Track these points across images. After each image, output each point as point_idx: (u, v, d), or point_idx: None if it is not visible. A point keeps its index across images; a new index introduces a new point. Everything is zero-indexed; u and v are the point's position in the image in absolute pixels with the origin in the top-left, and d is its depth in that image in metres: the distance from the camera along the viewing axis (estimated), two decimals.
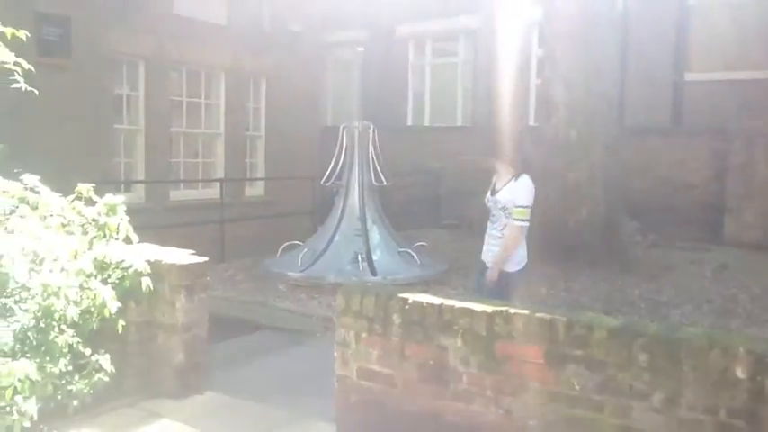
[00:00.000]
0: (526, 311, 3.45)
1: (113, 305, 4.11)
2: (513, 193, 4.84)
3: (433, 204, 13.85)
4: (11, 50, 4.47)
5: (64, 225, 4.45)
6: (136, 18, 9.88)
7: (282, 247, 9.26)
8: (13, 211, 4.30)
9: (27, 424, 3.60)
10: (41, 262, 4.03)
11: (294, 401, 4.68)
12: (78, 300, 4.02)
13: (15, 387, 3.42)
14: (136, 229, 4.63)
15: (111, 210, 4.45)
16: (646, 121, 12.03)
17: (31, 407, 3.57)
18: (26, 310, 3.79)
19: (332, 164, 9.11)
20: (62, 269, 4.05)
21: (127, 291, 4.37)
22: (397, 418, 3.79)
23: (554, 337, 3.32)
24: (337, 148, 9.12)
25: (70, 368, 3.99)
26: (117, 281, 4.35)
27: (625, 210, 10.35)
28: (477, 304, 3.63)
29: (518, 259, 4.94)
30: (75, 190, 4.59)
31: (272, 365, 5.63)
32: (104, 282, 4.27)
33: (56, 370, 3.84)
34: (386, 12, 15.03)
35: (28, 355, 3.68)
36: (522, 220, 4.82)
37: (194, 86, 11.49)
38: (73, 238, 4.39)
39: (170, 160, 11.07)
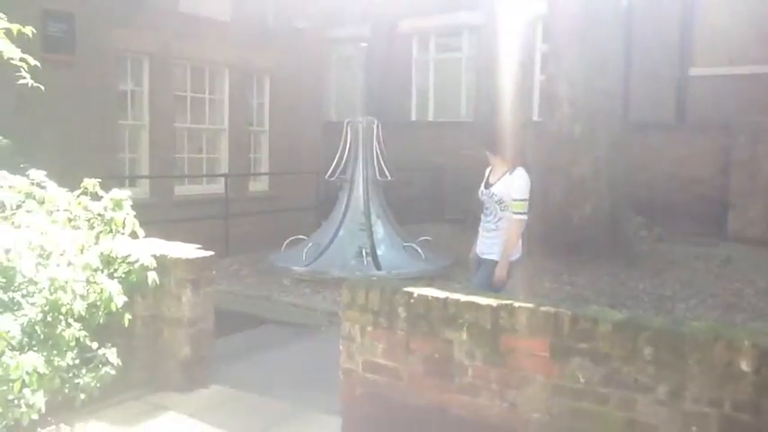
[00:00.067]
0: (531, 305, 3.46)
1: (120, 299, 4.13)
2: (509, 187, 4.85)
3: (437, 199, 13.85)
4: (17, 46, 4.50)
5: (70, 220, 4.46)
6: (140, 14, 9.89)
7: (287, 241, 9.28)
8: (19, 206, 4.32)
9: (35, 416, 3.63)
10: (48, 256, 4.05)
11: (299, 395, 4.70)
12: (85, 294, 4.04)
13: (23, 380, 3.44)
14: (141, 223, 4.64)
15: (118, 204, 4.47)
16: (650, 117, 12.01)
17: (39, 400, 3.59)
18: (33, 304, 3.81)
19: (336, 159, 9.12)
20: (69, 263, 4.06)
21: (133, 285, 4.39)
22: (402, 412, 3.81)
23: (559, 331, 3.33)
24: (342, 143, 9.13)
25: (77, 362, 4.01)
26: (123, 275, 4.37)
27: (629, 205, 10.35)
28: (482, 298, 3.64)
29: (513, 251, 4.95)
30: (82, 185, 4.60)
31: (277, 359, 5.65)
32: (111, 276, 4.29)
33: (63, 363, 3.87)
34: (389, 7, 15.02)
35: (35, 348, 3.70)
36: (522, 213, 4.83)
37: (198, 82, 11.51)
38: (79, 232, 4.40)
39: (174, 155, 11.09)
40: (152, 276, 4.40)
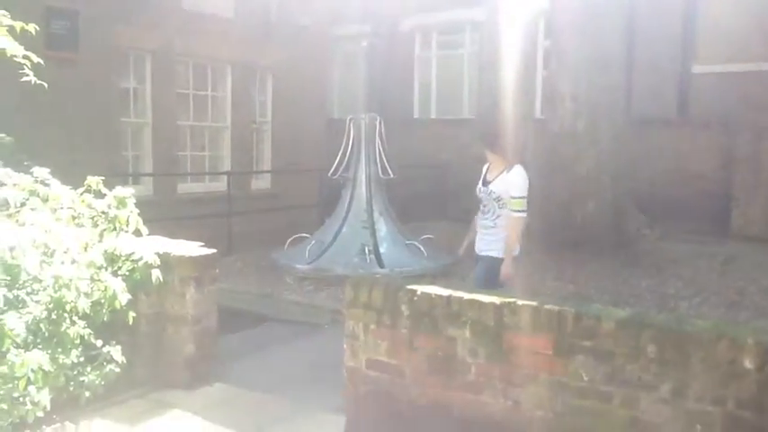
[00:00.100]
0: (534, 303, 3.47)
1: (124, 297, 4.13)
2: (507, 184, 4.86)
3: (440, 197, 13.84)
4: (20, 44, 4.50)
5: (74, 217, 4.47)
6: (143, 11, 9.88)
7: (290, 239, 9.29)
8: (23, 204, 4.32)
9: (40, 414, 3.64)
10: (52, 254, 4.05)
11: (303, 393, 4.71)
12: (89, 292, 4.04)
13: (29, 378, 3.45)
14: (144, 221, 4.64)
15: (121, 202, 4.47)
16: (652, 113, 11.99)
17: (44, 397, 3.60)
18: (38, 302, 3.81)
19: (339, 156, 9.12)
20: (73, 261, 4.07)
21: (137, 283, 4.40)
22: (406, 409, 3.82)
23: (562, 329, 3.34)
24: (344, 140, 9.13)
25: (82, 359, 4.02)
26: (127, 273, 4.38)
27: (632, 202, 10.35)
28: (486, 296, 3.65)
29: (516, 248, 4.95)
30: (85, 182, 4.61)
31: (280, 357, 5.66)
32: (115, 274, 4.29)
33: (68, 361, 3.87)
34: (391, 5, 15.00)
35: (40, 346, 3.71)
36: (521, 211, 4.85)
37: (201, 79, 11.51)
38: (83, 230, 4.41)
39: (177, 153, 11.09)
40: (156, 274, 4.40)
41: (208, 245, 5.00)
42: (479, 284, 4.72)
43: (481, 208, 5.08)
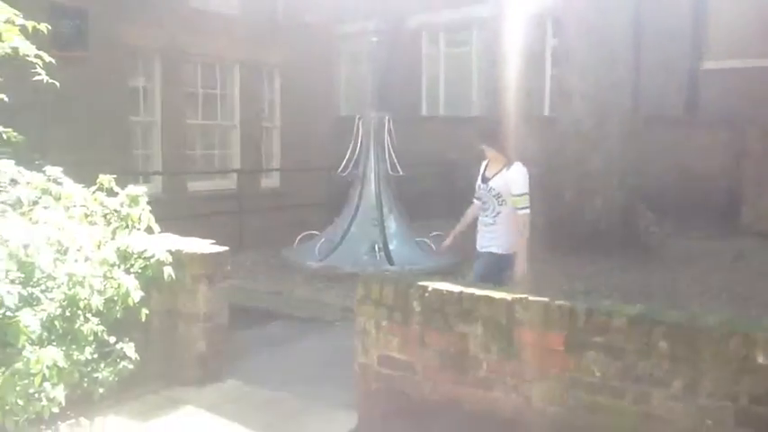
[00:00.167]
0: (546, 299, 3.48)
1: (137, 294, 4.15)
2: (508, 181, 4.86)
3: (448, 194, 13.83)
4: (31, 43, 4.53)
5: (87, 216, 4.50)
6: (151, 11, 9.91)
7: (299, 237, 9.31)
8: (36, 202, 4.36)
9: (55, 410, 3.66)
10: (66, 252, 4.08)
11: (314, 389, 4.73)
12: (102, 289, 4.06)
13: (44, 374, 3.47)
14: (154, 219, 4.68)
15: (134, 200, 4.50)
16: (662, 110, 11.97)
17: (59, 393, 3.62)
18: (52, 299, 3.83)
19: (348, 154, 9.14)
20: (86, 259, 4.10)
21: (149, 280, 4.41)
22: (417, 406, 3.84)
23: (574, 325, 3.35)
24: (353, 138, 9.15)
25: (95, 356, 4.04)
26: (140, 270, 4.39)
27: (641, 199, 10.33)
28: (497, 292, 3.66)
29: (513, 243, 4.93)
30: (97, 181, 4.64)
31: (291, 354, 5.68)
32: (127, 271, 4.31)
33: (81, 358, 3.89)
34: (399, 2, 15.01)
35: (54, 343, 3.73)
36: (525, 208, 4.84)
37: (209, 78, 11.53)
38: (96, 228, 4.44)
39: (186, 152, 11.13)
40: (168, 271, 4.42)
41: (218, 243, 5.03)
42: (479, 281, 4.73)
43: (482, 205, 5.07)
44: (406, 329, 3.87)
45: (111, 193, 4.65)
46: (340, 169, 9.24)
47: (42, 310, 3.72)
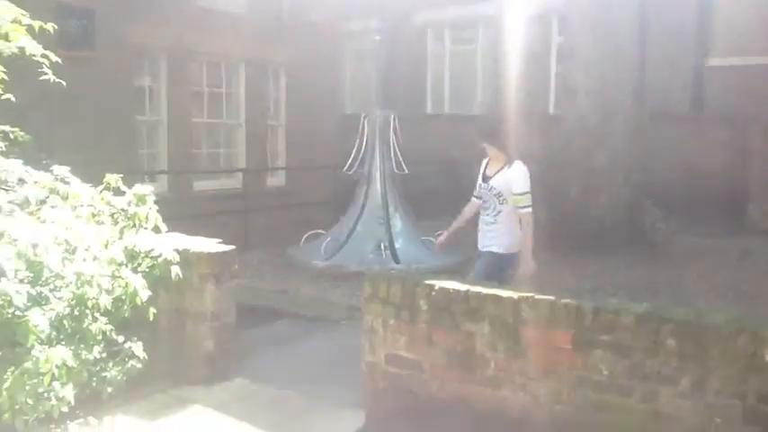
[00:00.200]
0: (552, 298, 3.48)
1: (145, 293, 4.17)
2: (509, 180, 4.84)
3: (454, 192, 13.81)
4: (37, 43, 4.55)
5: (94, 215, 4.52)
6: (158, 10, 9.93)
7: (305, 236, 9.32)
8: (44, 202, 4.38)
9: (65, 409, 3.68)
10: (74, 251, 4.10)
11: (321, 388, 4.73)
12: (110, 288, 4.08)
13: (53, 373, 3.49)
14: (161, 219, 4.69)
15: (141, 200, 4.52)
16: (667, 107, 11.93)
17: (69, 393, 3.65)
18: (61, 299, 3.86)
19: (354, 152, 9.14)
20: (94, 258, 4.12)
21: (157, 279, 4.43)
22: (425, 404, 3.84)
23: (581, 323, 3.36)
24: (359, 136, 9.15)
25: (104, 355, 4.06)
26: (147, 269, 4.42)
27: (646, 196, 10.31)
28: (504, 291, 3.67)
29: (514, 242, 4.92)
30: (104, 180, 4.66)
31: (298, 353, 5.69)
32: (135, 270, 4.33)
33: (90, 357, 3.91)
34: (404, 0, 15.00)
35: (63, 342, 3.75)
36: (527, 206, 4.82)
37: (215, 77, 11.55)
38: (103, 227, 4.46)
39: (192, 151, 11.14)
40: (175, 271, 4.45)
41: (224, 242, 5.04)
42: (480, 280, 4.72)
43: (482, 204, 5.05)
44: (413, 328, 3.88)
45: (117, 192, 4.67)
46: (346, 168, 9.24)
47: (51, 309, 3.74)
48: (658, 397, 3.16)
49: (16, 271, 3.63)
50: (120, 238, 4.46)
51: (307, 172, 12.28)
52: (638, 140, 9.95)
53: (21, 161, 4.47)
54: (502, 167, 4.91)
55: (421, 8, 15.07)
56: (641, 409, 3.20)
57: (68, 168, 4.58)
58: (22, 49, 4.48)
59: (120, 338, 4.18)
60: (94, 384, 4.01)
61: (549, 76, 13.50)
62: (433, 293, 3.80)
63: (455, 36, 15.48)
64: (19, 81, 4.68)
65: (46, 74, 4.59)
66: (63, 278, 3.92)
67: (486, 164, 5.09)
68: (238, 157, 11.90)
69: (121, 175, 4.72)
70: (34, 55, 4.52)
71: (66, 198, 4.44)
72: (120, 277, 4.16)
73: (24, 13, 4.48)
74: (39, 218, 4.15)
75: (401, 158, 9.19)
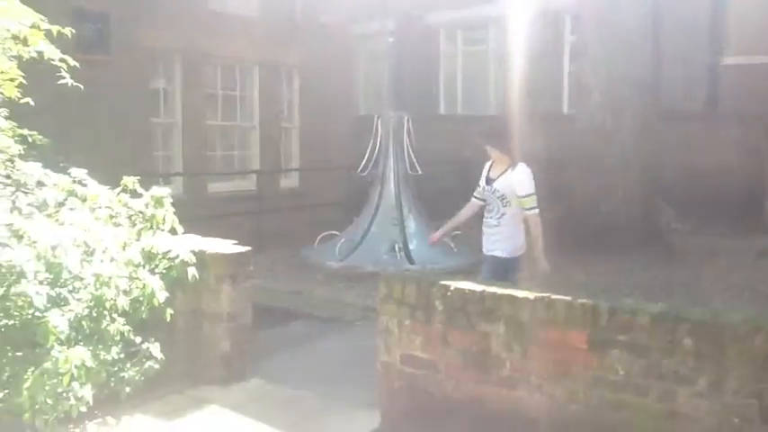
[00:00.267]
0: (568, 298, 3.48)
1: (162, 294, 4.22)
2: (513, 183, 4.81)
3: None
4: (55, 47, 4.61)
5: (112, 217, 4.56)
6: (172, 13, 9.99)
7: (320, 237, 9.35)
8: (62, 204, 4.43)
9: (83, 409, 3.73)
10: (92, 253, 4.15)
11: (336, 389, 4.75)
12: (128, 289, 4.13)
13: (72, 374, 3.54)
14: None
15: (158, 202, 4.56)
16: (681, 106, 11.87)
17: (87, 393, 3.69)
18: (79, 300, 3.90)
19: (367, 154, 9.16)
20: (112, 260, 4.16)
21: (174, 280, 4.47)
22: (440, 405, 3.85)
23: (597, 323, 3.35)
24: (372, 138, 9.16)
25: (122, 356, 4.11)
26: (164, 271, 4.46)
27: (661, 196, 10.27)
28: (520, 291, 3.67)
29: (518, 246, 4.92)
30: (121, 182, 4.70)
31: (313, 353, 5.71)
32: (152, 272, 4.38)
33: (108, 357, 3.96)
34: (416, 1, 15.00)
35: (82, 343, 3.80)
36: (534, 208, 4.81)
37: (229, 79, 11.61)
38: (121, 229, 4.51)
39: (207, 153, 11.21)
40: (192, 272, 4.49)
41: (238, 243, 5.07)
42: None
43: (486, 207, 5.03)
44: (428, 328, 3.89)
45: (134, 194, 4.71)
46: (359, 169, 9.25)
47: (70, 310, 3.79)
48: (675, 397, 3.15)
49: (36, 272, 3.68)
50: (138, 240, 4.50)
51: (320, 173, 12.32)
52: (652, 139, 9.91)
53: (40, 164, 4.53)
54: (505, 170, 4.89)
55: (433, 9, 15.07)
56: (658, 408, 3.20)
57: (86, 171, 4.63)
58: (40, 53, 4.54)
59: (138, 339, 4.23)
60: (113, 384, 4.06)
61: (562, 76, 13.47)
62: (449, 294, 3.81)
63: (467, 36, 15.47)
64: (36, 85, 4.74)
65: (63, 77, 4.65)
66: (82, 279, 3.97)
67: (490, 166, 5.06)
68: (252, 158, 11.95)
69: (139, 178, 4.77)
70: (52, 59, 4.58)
71: (85, 200, 4.50)
72: (137, 278, 4.20)
73: (43, 18, 4.53)
74: (57, 220, 4.20)
75: (414, 159, 9.20)
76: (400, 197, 9.02)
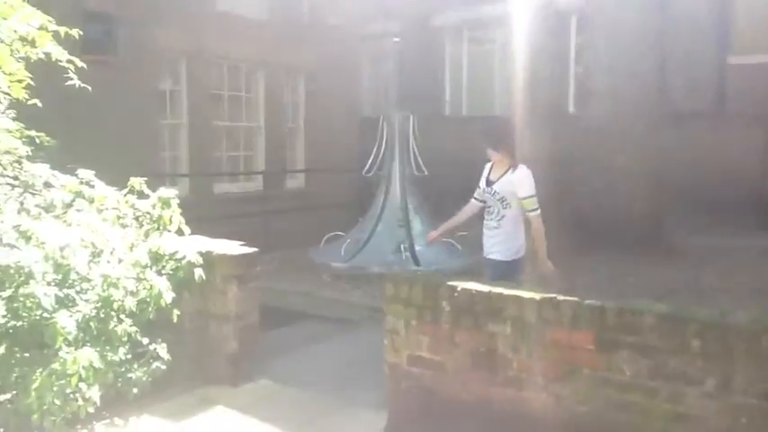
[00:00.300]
0: (576, 298, 3.47)
1: (169, 295, 4.23)
2: (514, 185, 4.77)
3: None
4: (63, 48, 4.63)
5: (119, 218, 4.58)
6: (178, 15, 10.01)
7: (325, 238, 9.36)
8: (70, 205, 4.44)
9: (91, 410, 3.74)
10: (99, 254, 4.17)
11: (342, 388, 4.76)
12: (135, 290, 4.15)
13: (80, 374, 3.55)
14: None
15: (165, 203, 4.57)
16: (688, 106, 11.84)
17: (95, 394, 3.71)
18: (87, 301, 3.92)
19: (373, 155, 9.16)
20: (119, 261, 4.18)
21: (181, 281, 4.48)
22: (447, 405, 3.85)
23: (604, 324, 3.35)
24: (378, 138, 9.16)
25: (129, 356, 4.12)
26: (171, 272, 4.47)
27: (669, 196, 10.24)
28: (526, 292, 3.67)
29: (517, 248, 4.88)
30: (129, 183, 4.72)
31: (320, 354, 5.72)
32: (159, 273, 4.39)
33: (116, 358, 3.98)
34: (422, 1, 15.01)
35: (89, 344, 3.81)
36: (536, 209, 4.77)
37: (235, 81, 11.63)
38: (128, 230, 4.52)
39: (213, 154, 11.23)
40: (199, 273, 4.50)
41: (245, 244, 5.08)
42: None
43: (486, 209, 5.00)
44: (435, 329, 3.89)
45: (141, 195, 4.73)
46: (365, 170, 9.26)
47: (78, 311, 3.80)
48: (683, 397, 3.14)
49: (44, 273, 3.70)
50: (145, 241, 4.51)
51: (326, 174, 12.33)
52: (659, 139, 9.88)
53: (47, 165, 4.55)
54: (505, 171, 4.86)
55: (439, 10, 15.06)
56: (665, 409, 3.19)
57: (93, 172, 4.65)
58: (48, 54, 4.56)
59: (145, 340, 4.24)
60: (120, 385, 4.07)
61: (568, 76, 13.44)
62: (456, 294, 3.81)
63: (473, 37, 15.46)
64: (43, 86, 4.76)
65: (71, 79, 4.67)
66: (89, 280, 3.99)
67: (490, 168, 5.04)
68: (258, 159, 11.97)
69: (145, 179, 4.78)
70: (60, 60, 4.60)
71: (92, 201, 4.52)
72: (144, 279, 4.21)
73: (51, 19, 4.55)
74: (65, 221, 4.21)
75: (420, 160, 9.20)
76: (405, 198, 9.02)
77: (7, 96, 4.61)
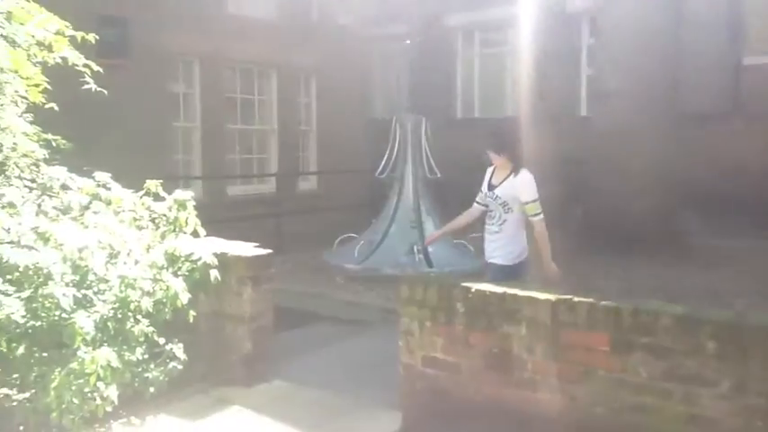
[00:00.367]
0: (591, 300, 3.48)
1: (185, 296, 4.27)
2: (516, 189, 4.74)
3: None
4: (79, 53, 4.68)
5: (136, 220, 4.62)
6: (191, 18, 10.09)
7: (338, 239, 9.38)
8: (87, 207, 4.49)
9: (109, 409, 3.79)
10: (116, 255, 4.22)
11: (357, 389, 4.77)
12: (152, 291, 4.19)
13: (98, 374, 3.59)
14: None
15: (182, 205, 4.61)
16: (702, 107, 11.78)
17: (113, 393, 3.75)
18: (105, 301, 3.96)
19: (386, 157, 9.18)
20: (136, 262, 4.22)
21: (196, 282, 4.52)
22: (462, 406, 3.86)
23: (619, 325, 3.35)
24: (390, 140, 9.18)
25: (146, 356, 4.16)
26: (187, 273, 4.51)
27: (683, 198, 10.20)
28: (541, 293, 3.67)
29: (519, 252, 4.85)
30: (144, 186, 4.76)
31: (334, 355, 5.74)
32: (175, 274, 4.43)
33: (133, 358, 4.02)
34: (433, 3, 15.01)
35: (107, 344, 3.85)
36: (539, 214, 4.74)
37: (247, 83, 11.70)
38: (144, 232, 4.57)
39: (226, 156, 11.29)
40: (214, 274, 4.53)
41: (259, 245, 5.11)
42: None
43: (488, 213, 4.98)
44: (449, 330, 3.90)
45: (157, 197, 4.77)
46: (378, 172, 9.27)
47: (96, 311, 3.85)
48: (698, 399, 3.14)
49: (62, 274, 3.74)
50: (161, 243, 4.55)
51: (338, 176, 12.37)
52: (672, 141, 9.85)
53: (64, 168, 4.60)
54: (508, 176, 4.82)
55: (451, 11, 15.04)
56: (680, 411, 3.19)
57: (110, 174, 4.70)
58: (64, 59, 4.61)
59: (162, 340, 4.28)
60: (137, 385, 4.11)
61: (580, 78, 13.41)
62: (470, 296, 3.82)
63: (485, 39, 15.44)
64: (59, 89, 4.81)
65: (87, 83, 4.72)
66: (107, 281, 4.03)
67: (492, 172, 5.02)
68: (271, 161, 12.03)
69: (162, 181, 4.83)
70: (76, 65, 4.65)
71: (109, 203, 4.56)
72: (161, 280, 4.25)
73: (68, 24, 4.61)
74: (82, 223, 4.26)
75: (433, 162, 9.21)
76: (418, 200, 9.04)
77: (25, 100, 4.67)
